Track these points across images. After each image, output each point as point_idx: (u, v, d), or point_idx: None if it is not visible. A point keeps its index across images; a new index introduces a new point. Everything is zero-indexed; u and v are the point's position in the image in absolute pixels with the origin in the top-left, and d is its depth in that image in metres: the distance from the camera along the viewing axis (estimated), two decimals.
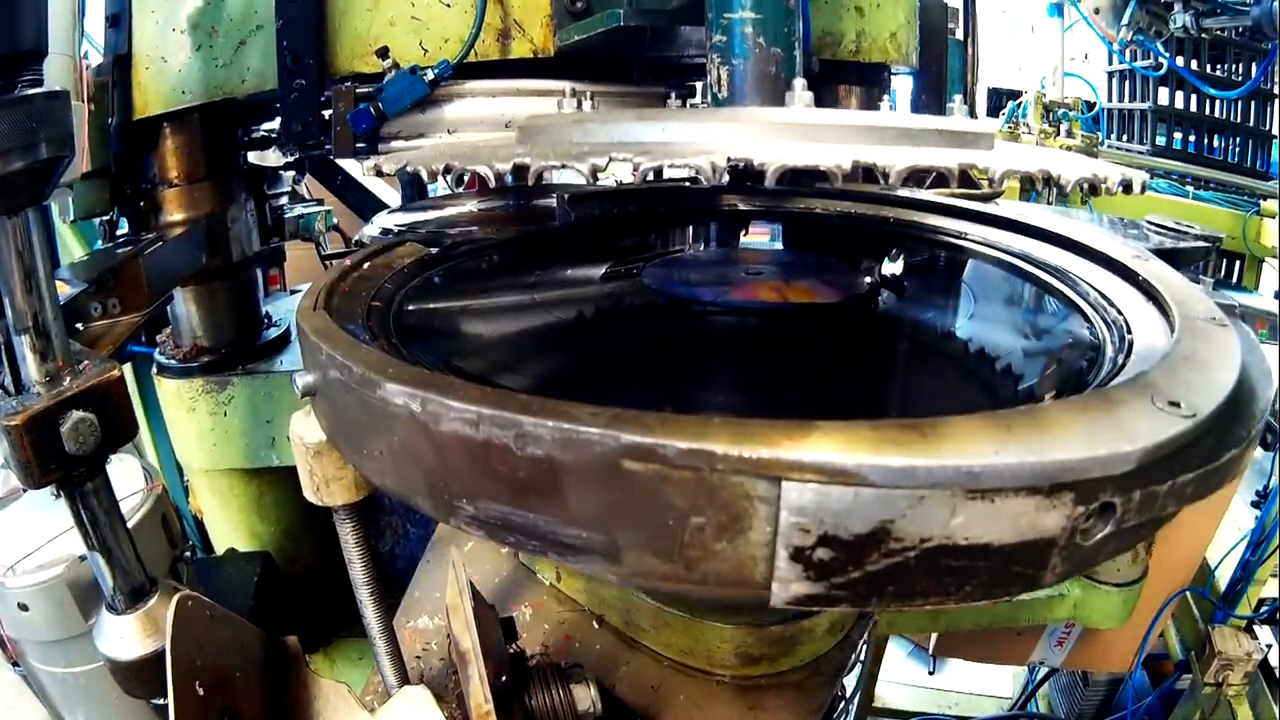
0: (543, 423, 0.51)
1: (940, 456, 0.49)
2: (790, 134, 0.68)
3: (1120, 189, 0.83)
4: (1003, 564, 0.53)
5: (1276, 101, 3.81)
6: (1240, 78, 3.76)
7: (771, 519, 0.49)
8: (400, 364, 0.62)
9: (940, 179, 1.79)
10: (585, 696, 0.85)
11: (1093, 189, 0.76)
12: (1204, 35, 2.55)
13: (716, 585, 0.52)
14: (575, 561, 0.54)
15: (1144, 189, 0.89)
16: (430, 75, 1.42)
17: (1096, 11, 2.45)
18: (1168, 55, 3.12)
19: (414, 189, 2.43)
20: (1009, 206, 1.57)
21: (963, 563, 0.52)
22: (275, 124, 2.06)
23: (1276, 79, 3.60)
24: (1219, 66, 3.82)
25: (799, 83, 0.79)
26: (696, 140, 0.67)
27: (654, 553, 0.52)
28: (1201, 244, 1.71)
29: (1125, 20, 2.43)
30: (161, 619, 1.03)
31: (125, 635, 1.04)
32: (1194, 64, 3.74)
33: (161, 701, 1.00)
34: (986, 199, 1.67)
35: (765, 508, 0.49)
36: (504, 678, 0.83)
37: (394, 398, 0.59)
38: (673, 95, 1.41)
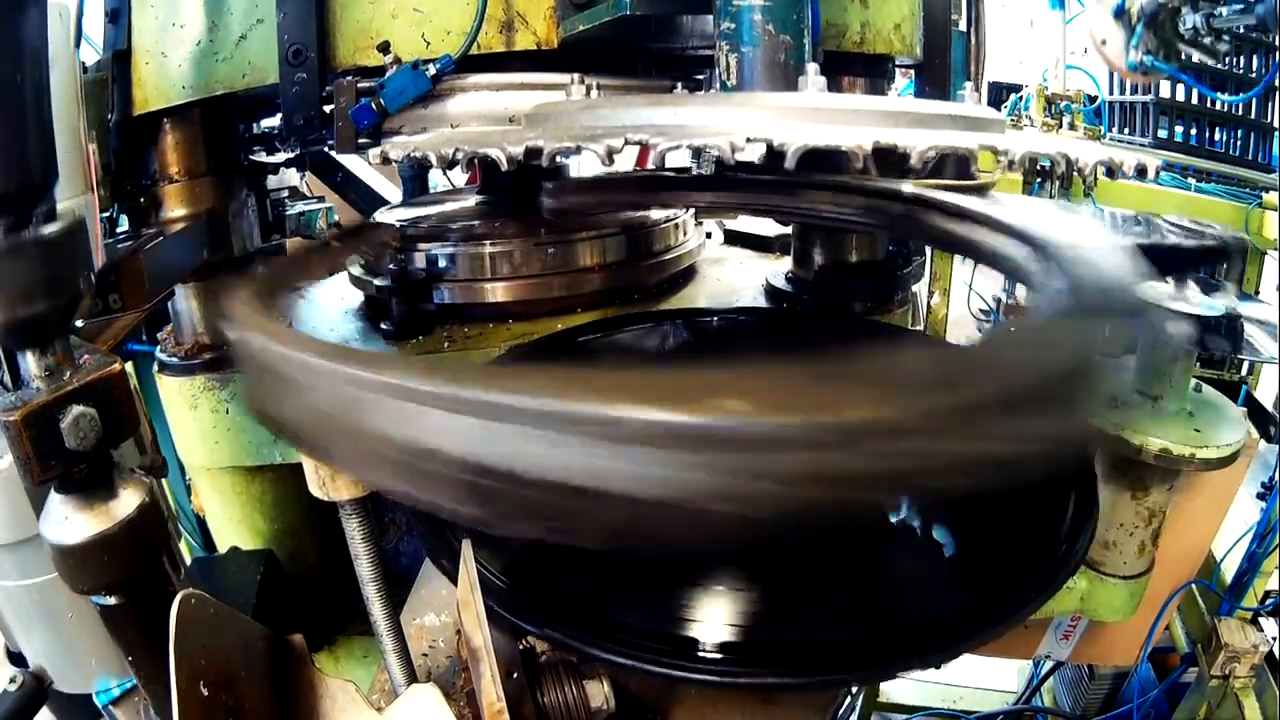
0: None
1: None
2: (807, 117, 0.67)
3: (1135, 174, 0.82)
4: None
5: (1277, 95, 3.79)
6: (1240, 70, 3.73)
7: None
8: None
9: (937, 169, 1.77)
10: (598, 693, 0.84)
11: (1110, 173, 0.75)
12: (1215, 34, 2.48)
13: None
14: None
15: (1158, 174, 0.89)
16: (432, 70, 1.40)
17: (1104, 43, 2.40)
18: (1187, 77, 3.03)
19: (415, 185, 2.42)
20: (1009, 201, 1.55)
21: None
22: (276, 120, 2.06)
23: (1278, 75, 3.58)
24: (1224, 61, 3.78)
25: (812, 68, 0.78)
26: (712, 122, 0.66)
27: None
28: (1214, 243, 1.65)
29: (1134, 42, 2.37)
30: (113, 503, 0.96)
31: (70, 516, 0.95)
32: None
33: (107, 601, 0.96)
34: (981, 190, 1.64)
35: None
36: (515, 674, 0.82)
37: None
38: (679, 87, 1.40)
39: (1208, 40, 2.49)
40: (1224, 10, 2.23)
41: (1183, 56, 2.47)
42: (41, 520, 0.97)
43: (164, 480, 1.88)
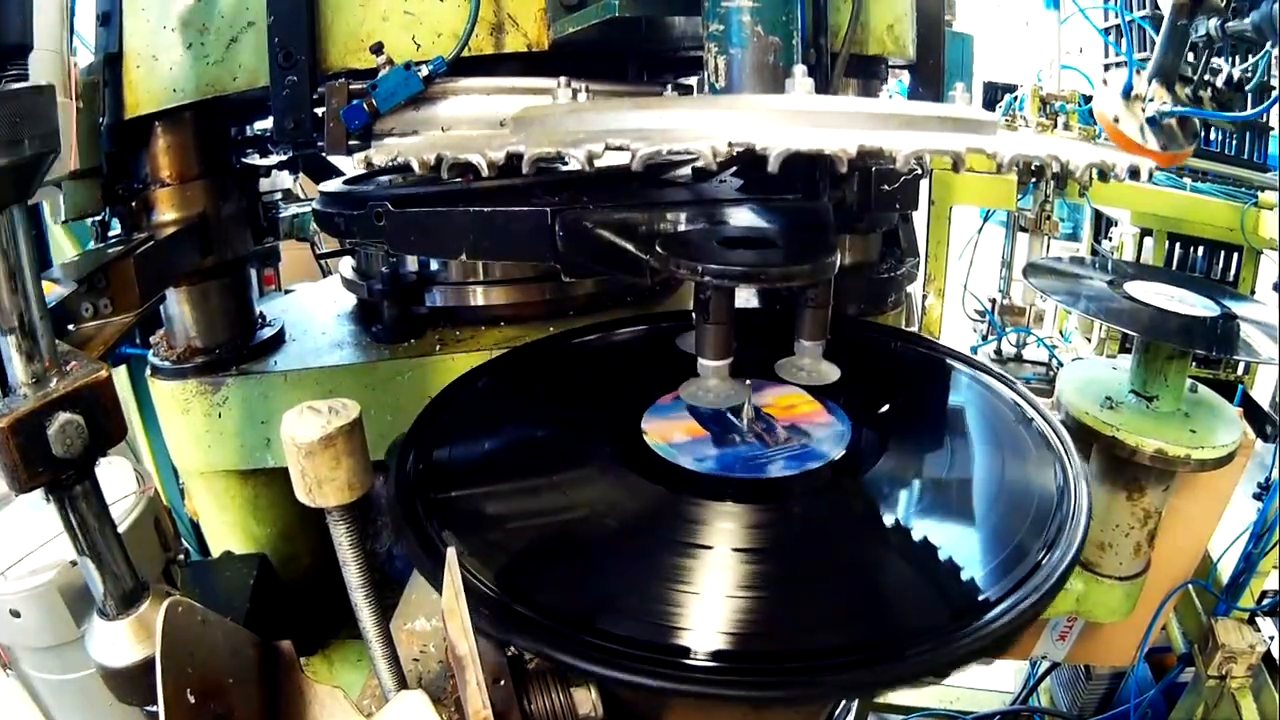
0: None
1: None
2: (793, 120, 0.66)
3: (1128, 175, 0.82)
4: None
5: (1275, 96, 3.79)
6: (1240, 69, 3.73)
7: None
8: None
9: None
10: (586, 700, 0.83)
11: (1102, 175, 0.74)
12: (1230, 40, 2.44)
13: None
14: None
15: (1151, 175, 0.88)
16: (425, 71, 1.40)
17: (1116, 120, 2.37)
18: (1203, 111, 2.98)
19: None
20: None
21: None
22: (268, 123, 2.05)
23: (1274, 74, 3.58)
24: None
25: (799, 69, 0.77)
26: (696, 126, 0.66)
27: None
28: None
29: (1149, 97, 2.33)
30: (153, 624, 1.01)
31: (117, 641, 1.02)
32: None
33: (155, 709, 0.99)
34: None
35: None
36: (502, 681, 0.82)
37: None
38: (669, 89, 1.40)
39: (1220, 80, 2.48)
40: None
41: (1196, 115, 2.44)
42: (89, 644, 1.03)
43: (158, 485, 1.88)
